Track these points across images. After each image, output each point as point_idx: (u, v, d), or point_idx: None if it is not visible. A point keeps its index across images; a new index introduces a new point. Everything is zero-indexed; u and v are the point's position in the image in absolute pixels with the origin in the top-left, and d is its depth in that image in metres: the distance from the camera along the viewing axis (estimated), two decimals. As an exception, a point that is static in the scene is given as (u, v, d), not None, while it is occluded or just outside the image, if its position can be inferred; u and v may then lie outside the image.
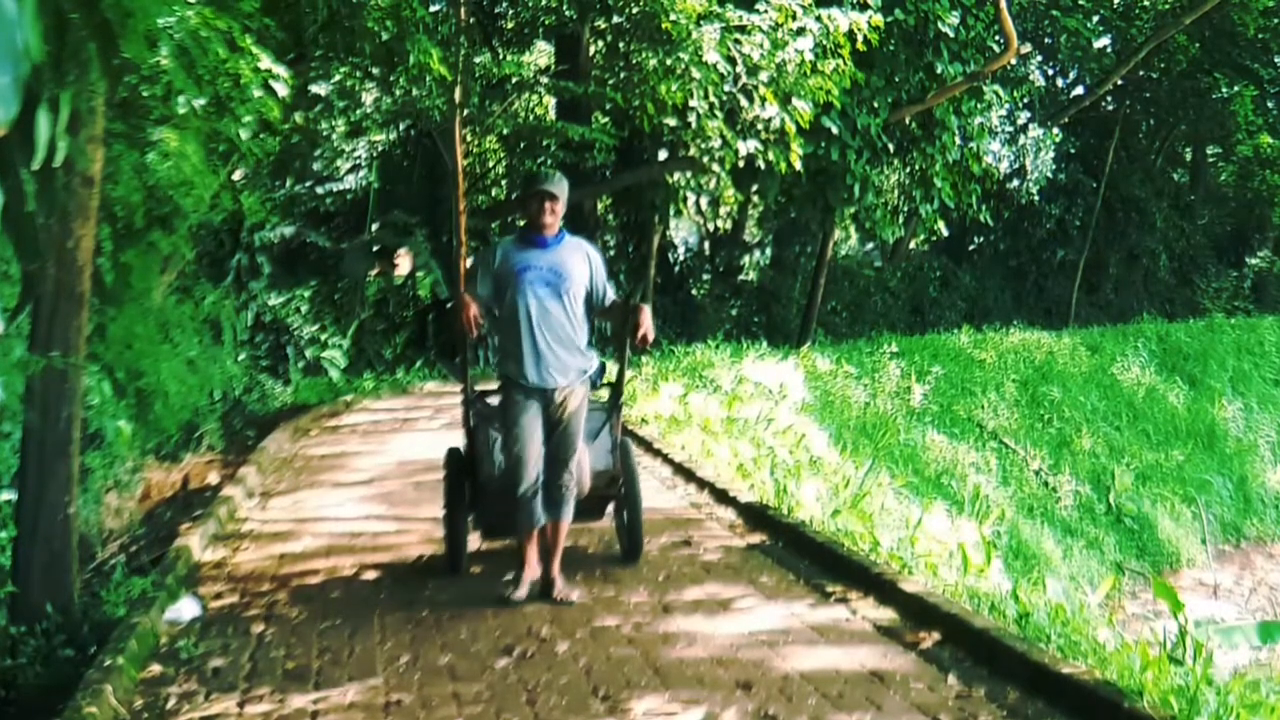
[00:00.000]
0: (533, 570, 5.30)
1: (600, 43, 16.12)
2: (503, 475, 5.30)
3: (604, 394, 5.89)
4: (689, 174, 16.17)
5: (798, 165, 14.23)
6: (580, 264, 5.27)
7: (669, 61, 13.41)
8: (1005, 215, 24.33)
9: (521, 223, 5.70)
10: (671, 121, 13.97)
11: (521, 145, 17.07)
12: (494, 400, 5.57)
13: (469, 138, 16.33)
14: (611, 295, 5.44)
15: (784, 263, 22.73)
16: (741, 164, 14.43)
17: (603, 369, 5.45)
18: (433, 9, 13.98)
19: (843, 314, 22.96)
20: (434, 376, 14.90)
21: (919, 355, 18.68)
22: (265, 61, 6.81)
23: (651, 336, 5.25)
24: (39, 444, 5.04)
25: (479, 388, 5.80)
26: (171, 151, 6.44)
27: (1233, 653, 6.38)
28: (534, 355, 5.13)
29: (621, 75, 14.72)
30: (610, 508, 5.95)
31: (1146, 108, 26.72)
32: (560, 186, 5.22)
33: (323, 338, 14.00)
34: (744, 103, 13.82)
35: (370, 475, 8.73)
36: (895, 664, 4.36)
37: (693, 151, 14.60)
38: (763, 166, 14.40)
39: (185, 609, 5.29)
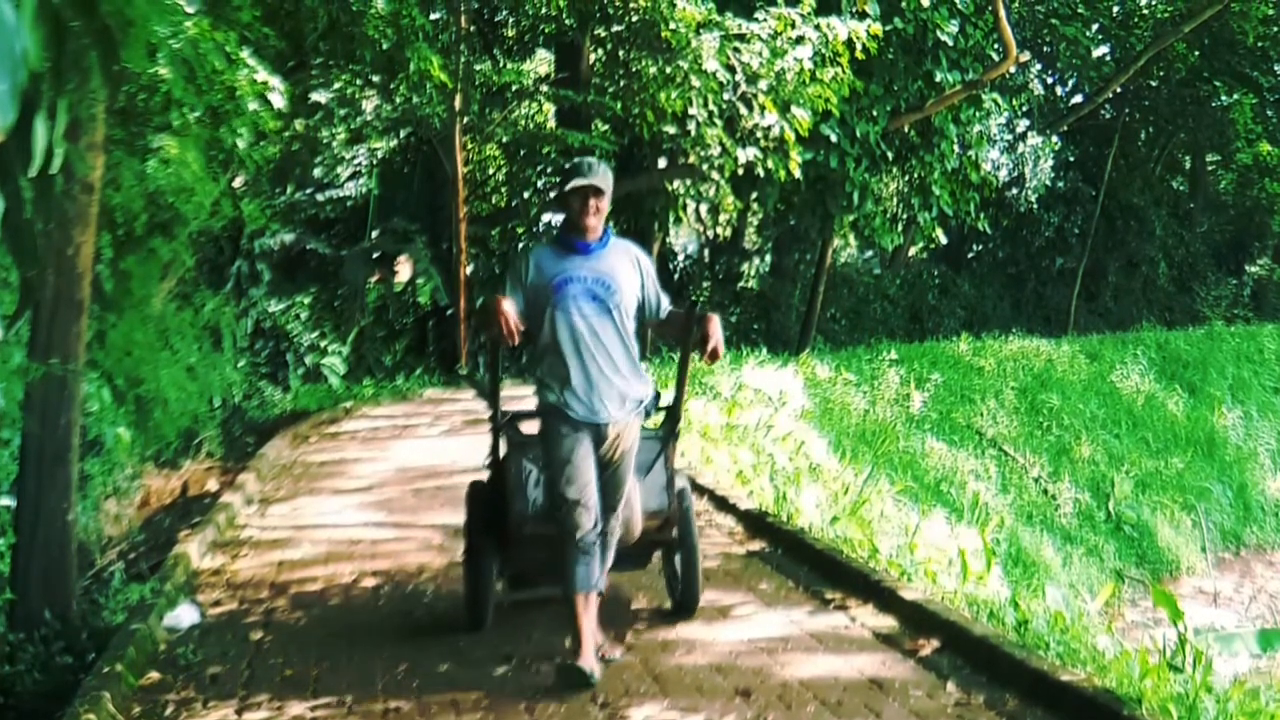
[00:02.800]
0: (590, 643, 4.27)
1: (600, 51, 16.16)
2: (539, 516, 4.52)
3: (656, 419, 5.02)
4: (689, 181, 16.20)
5: (797, 173, 14.26)
6: (629, 271, 4.48)
7: (668, 70, 13.44)
8: (1004, 223, 24.38)
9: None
10: (671, 129, 14.00)
11: (521, 153, 17.10)
12: (527, 425, 4.75)
13: (469, 145, 16.35)
14: (666, 305, 4.64)
15: (783, 270, 22.75)
16: (741, 171, 14.46)
17: (657, 398, 4.58)
18: (433, 17, 14.03)
19: (842, 321, 22.97)
20: (434, 383, 14.90)
21: (918, 362, 18.69)
22: (262, 74, 6.82)
23: (722, 350, 4.44)
24: (38, 451, 5.05)
25: (506, 406, 4.92)
26: (172, 159, 6.47)
27: (1232, 660, 6.38)
28: (585, 384, 4.32)
29: (621, 83, 14.75)
30: (658, 554, 5.14)
31: (1146, 116, 26.78)
32: (605, 179, 4.35)
33: (322, 344, 14.00)
34: (743, 111, 13.85)
35: (369, 482, 8.73)
36: (894, 671, 4.36)
37: (692, 159, 14.64)
38: (762, 174, 14.43)
39: (184, 616, 5.28)
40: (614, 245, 4.49)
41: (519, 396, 4.90)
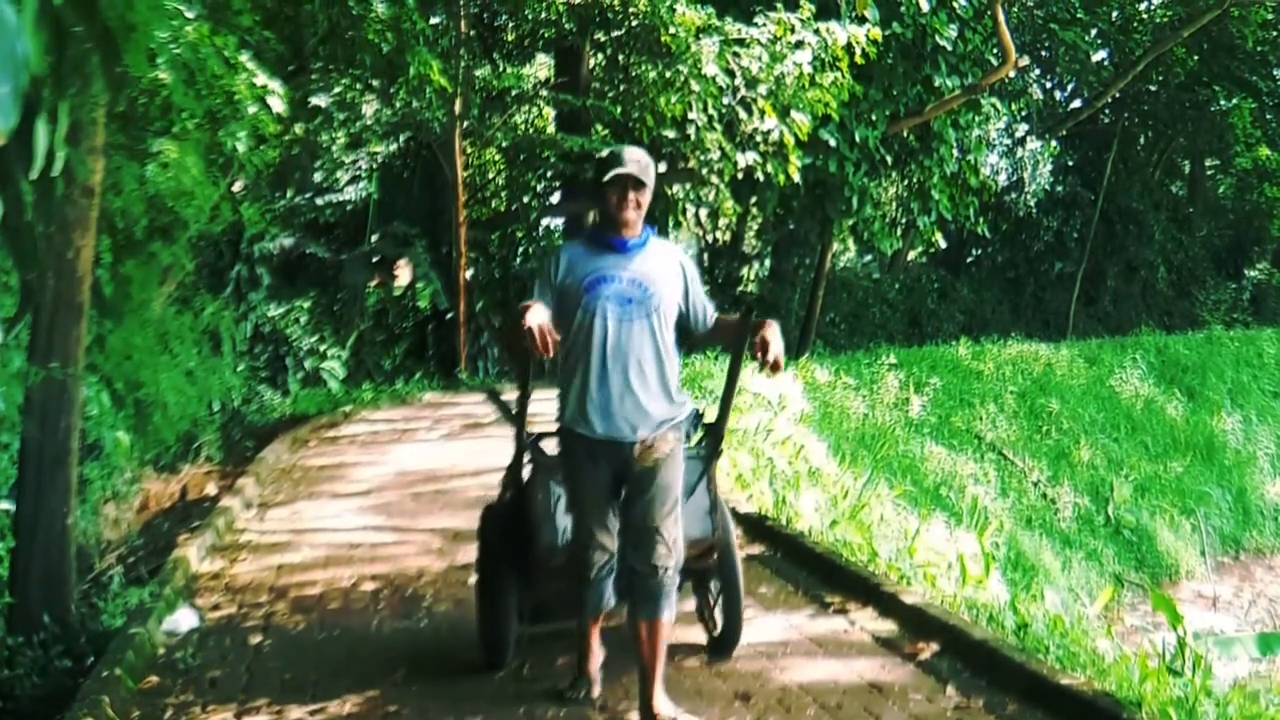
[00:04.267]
0: (596, 659, 4.16)
1: (600, 55, 16.18)
2: (569, 546, 4.06)
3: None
4: (688, 186, 16.20)
5: (796, 177, 14.28)
6: (672, 275, 3.98)
7: (668, 74, 13.47)
8: (1003, 227, 24.39)
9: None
10: (671, 134, 14.02)
11: (521, 157, 17.11)
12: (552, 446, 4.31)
13: (469, 149, 16.37)
14: (712, 315, 4.15)
15: (783, 274, 22.76)
16: (740, 176, 14.47)
17: (697, 418, 4.09)
18: (433, 21, 14.05)
19: (841, 325, 22.99)
20: (433, 387, 14.90)
21: (917, 367, 18.69)
22: (261, 78, 6.84)
23: (783, 362, 3.85)
24: (37, 454, 5.05)
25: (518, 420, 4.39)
26: (171, 163, 6.48)
27: (1232, 664, 6.36)
28: (604, 398, 3.84)
29: (621, 88, 14.77)
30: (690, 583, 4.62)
31: (1145, 120, 26.80)
32: (647, 169, 3.89)
33: (322, 348, 13.99)
34: (743, 115, 13.87)
35: (369, 486, 8.73)
36: (894, 675, 4.36)
37: (692, 163, 14.64)
38: (761, 178, 14.44)
39: (183, 620, 5.28)
40: (655, 245, 4.02)
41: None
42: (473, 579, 5.83)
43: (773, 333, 3.82)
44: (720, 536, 4.36)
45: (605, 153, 4.10)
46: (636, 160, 3.87)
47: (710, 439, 4.33)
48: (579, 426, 3.87)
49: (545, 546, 4.15)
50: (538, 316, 3.66)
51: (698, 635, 4.75)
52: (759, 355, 3.80)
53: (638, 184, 3.86)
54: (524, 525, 4.26)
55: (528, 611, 4.50)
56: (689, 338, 4.10)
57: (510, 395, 13.61)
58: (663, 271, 3.96)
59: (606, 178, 3.87)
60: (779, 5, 13.78)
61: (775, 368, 3.80)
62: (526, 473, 4.42)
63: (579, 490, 3.93)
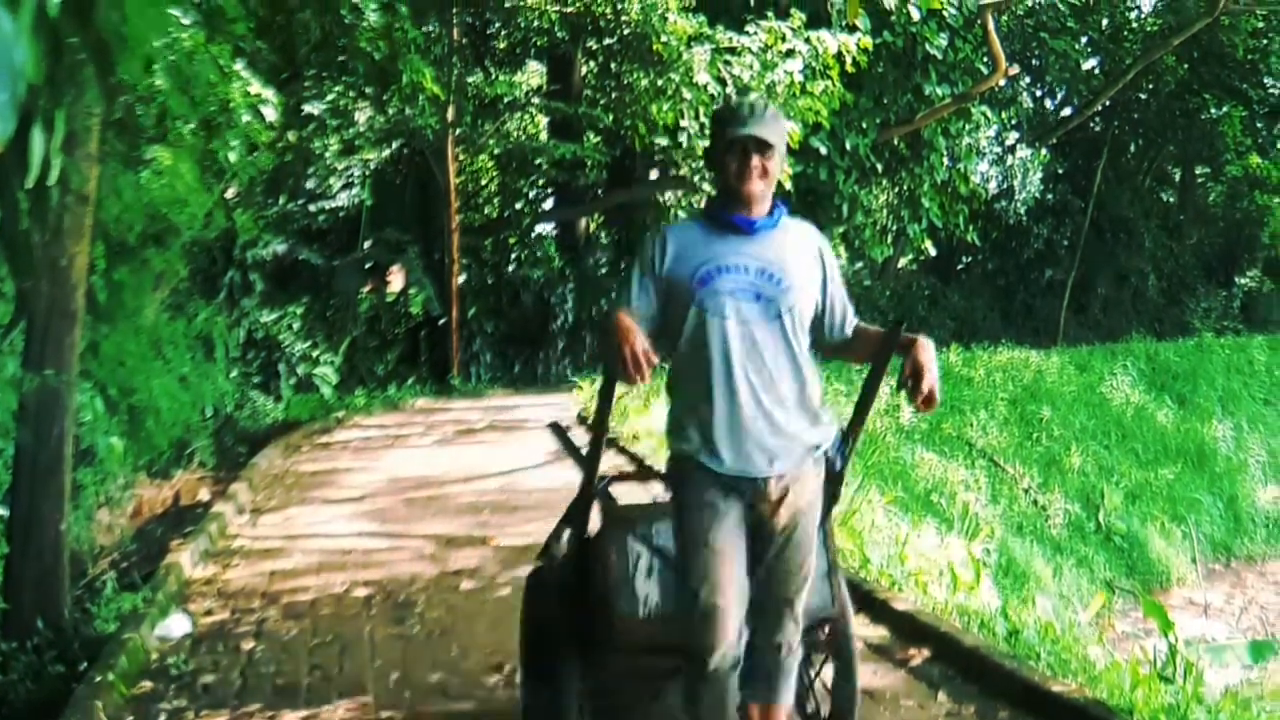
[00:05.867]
0: None
1: (592, 63, 16.24)
2: (656, 618, 3.20)
3: None
4: (680, 193, 16.24)
5: (787, 185, 14.31)
6: (809, 264, 3.07)
7: (660, 82, 13.52)
8: (993, 235, 24.45)
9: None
10: (663, 141, 14.06)
11: (514, 164, 17.16)
12: (620, 492, 3.61)
13: (461, 156, 16.40)
14: (852, 320, 3.24)
15: (775, 281, 22.79)
16: (732, 183, 14.49)
17: (843, 444, 3.24)
18: (425, 29, 14.07)
19: (833, 332, 23.00)
20: (426, 393, 14.91)
21: (908, 373, 18.69)
22: (255, 86, 6.87)
23: (939, 395, 2.94)
24: (31, 461, 5.05)
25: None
26: (166, 170, 6.49)
27: (1223, 672, 6.39)
28: (732, 422, 2.94)
29: (613, 95, 14.82)
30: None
31: (1135, 128, 26.90)
32: (775, 126, 2.94)
33: (314, 354, 13.98)
34: (735, 123, 13.90)
35: (361, 492, 8.73)
36: (885, 681, 4.38)
37: (684, 171, 14.69)
38: (754, 186, 14.46)
39: (175, 625, 5.28)
40: (788, 226, 3.07)
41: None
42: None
43: (927, 355, 2.94)
44: (839, 609, 3.46)
45: (718, 110, 3.12)
46: (760, 115, 2.93)
47: (827, 483, 3.21)
48: (702, 458, 2.97)
49: (624, 616, 3.20)
50: (634, 334, 2.77)
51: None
52: (908, 384, 2.93)
53: (762, 146, 2.92)
54: (591, 592, 3.32)
55: (588, 704, 3.47)
56: (819, 346, 3.19)
57: (516, 398, 13.61)
58: (800, 260, 3.05)
59: (724, 139, 2.95)
60: (770, 14, 13.84)
61: (929, 402, 2.93)
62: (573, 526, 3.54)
63: (702, 541, 2.95)
